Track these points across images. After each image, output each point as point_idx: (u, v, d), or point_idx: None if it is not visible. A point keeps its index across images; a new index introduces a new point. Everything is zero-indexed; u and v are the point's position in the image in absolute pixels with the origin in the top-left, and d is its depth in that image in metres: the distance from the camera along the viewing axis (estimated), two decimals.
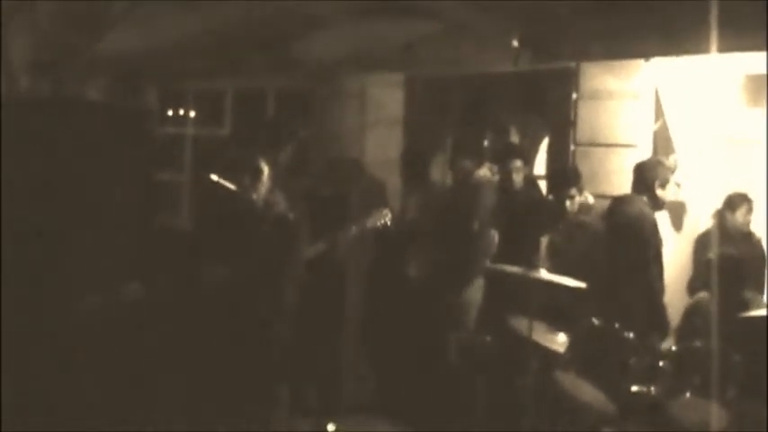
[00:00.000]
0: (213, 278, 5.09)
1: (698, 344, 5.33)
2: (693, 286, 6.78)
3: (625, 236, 6.08)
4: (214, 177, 5.34)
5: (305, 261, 5.78)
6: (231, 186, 5.27)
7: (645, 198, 6.14)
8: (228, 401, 5.17)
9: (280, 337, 5.13)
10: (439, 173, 8.18)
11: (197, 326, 5.56)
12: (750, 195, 7.04)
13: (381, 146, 8.13)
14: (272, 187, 5.28)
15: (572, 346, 5.69)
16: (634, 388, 5.30)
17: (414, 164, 7.65)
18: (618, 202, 6.34)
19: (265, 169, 5.24)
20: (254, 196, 5.15)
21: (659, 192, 6.15)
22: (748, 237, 7.02)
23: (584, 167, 7.00)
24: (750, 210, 7.01)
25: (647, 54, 7.07)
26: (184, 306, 6.00)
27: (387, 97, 8.25)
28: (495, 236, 6.79)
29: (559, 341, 5.79)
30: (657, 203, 6.19)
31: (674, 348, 5.43)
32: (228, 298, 5.01)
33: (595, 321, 5.59)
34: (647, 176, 6.19)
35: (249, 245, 5.06)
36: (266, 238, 5.10)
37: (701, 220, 7.23)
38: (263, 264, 5.04)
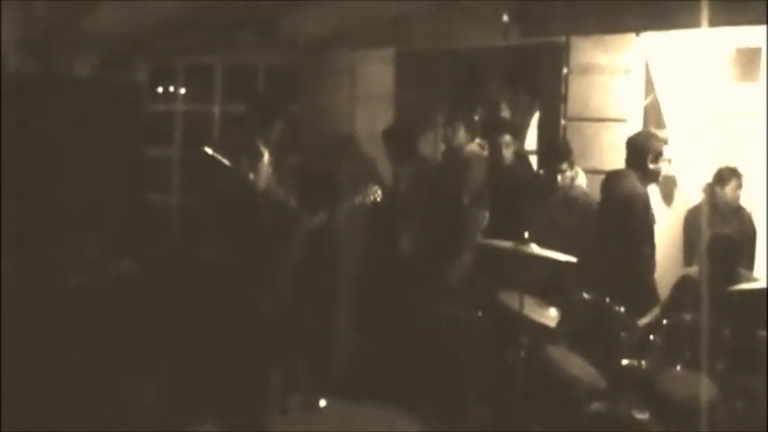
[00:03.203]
0: (207, 255, 5.09)
1: (688, 317, 5.35)
2: (689, 261, 6.80)
3: (617, 211, 6.09)
4: (209, 150, 5.31)
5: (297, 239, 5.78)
6: (225, 161, 5.25)
7: (638, 172, 6.14)
8: (221, 379, 5.18)
9: (273, 313, 5.13)
10: (429, 148, 8.18)
11: (188, 302, 5.56)
12: (740, 170, 7.05)
13: (371, 121, 8.12)
14: (271, 169, 5.28)
15: (563, 320, 5.72)
16: (625, 361, 5.33)
17: (404, 139, 7.65)
18: (611, 176, 6.35)
19: (265, 152, 5.24)
20: (252, 176, 5.14)
21: (652, 165, 6.16)
22: (738, 211, 7.03)
23: (574, 142, 6.99)
24: (739, 185, 7.02)
25: (637, 28, 7.05)
26: (175, 283, 6.00)
27: (377, 73, 8.22)
28: (485, 211, 6.81)
29: (550, 316, 5.82)
30: (650, 176, 6.19)
31: (664, 322, 5.45)
32: (222, 275, 5.02)
33: (586, 296, 5.62)
34: (639, 149, 6.19)
35: (245, 223, 5.05)
36: (263, 217, 5.10)
37: (691, 194, 7.24)
38: (258, 242, 5.04)
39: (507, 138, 7.09)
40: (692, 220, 7.08)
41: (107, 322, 6.27)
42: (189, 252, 5.40)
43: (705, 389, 5.06)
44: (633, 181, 6.11)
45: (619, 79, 7.16)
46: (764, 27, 6.39)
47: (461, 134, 7.12)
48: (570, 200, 6.60)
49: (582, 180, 6.74)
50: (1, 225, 6.07)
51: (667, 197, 7.20)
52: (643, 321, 5.59)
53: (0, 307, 5.87)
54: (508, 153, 7.09)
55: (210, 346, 5.25)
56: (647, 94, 7.20)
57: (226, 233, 5.15)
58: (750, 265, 6.61)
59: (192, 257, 5.39)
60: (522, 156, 7.50)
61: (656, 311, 5.84)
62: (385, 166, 7.83)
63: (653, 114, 7.20)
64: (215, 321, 5.20)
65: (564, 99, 7.40)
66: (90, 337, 6.19)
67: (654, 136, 6.51)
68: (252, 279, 5.13)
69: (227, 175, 5.31)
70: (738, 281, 5.68)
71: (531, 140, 8.23)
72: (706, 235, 5.95)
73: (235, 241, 5.09)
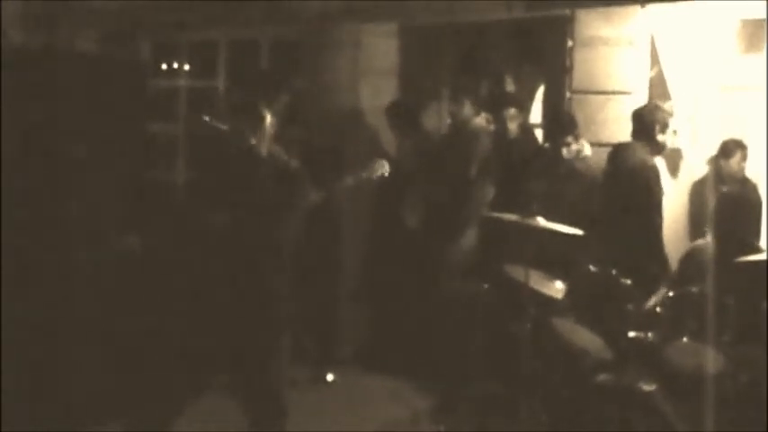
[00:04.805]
0: (213, 224, 5.06)
1: (694, 289, 5.37)
2: (694, 233, 6.82)
3: (627, 183, 6.10)
4: (206, 118, 5.27)
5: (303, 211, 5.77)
6: (222, 126, 5.20)
7: (646, 145, 6.15)
8: (228, 351, 5.19)
9: (280, 286, 5.13)
10: (434, 122, 8.18)
11: (194, 275, 5.55)
12: (745, 142, 7.05)
13: (376, 95, 8.10)
14: (274, 135, 5.24)
15: (569, 292, 5.73)
16: (631, 333, 5.34)
17: (407, 113, 7.65)
18: (620, 149, 6.35)
19: (267, 116, 5.18)
20: (254, 142, 5.10)
21: (659, 136, 6.16)
22: (743, 183, 7.03)
23: (579, 115, 6.99)
24: (745, 156, 7.02)
25: (642, 0, 7.03)
26: (181, 256, 5.99)
27: (381, 47, 8.19)
28: (491, 184, 6.82)
29: (557, 288, 5.83)
30: (658, 148, 6.20)
31: (671, 294, 5.46)
32: (228, 245, 4.99)
33: (592, 268, 5.63)
34: (646, 121, 6.20)
35: (249, 191, 5.02)
36: (267, 185, 5.06)
37: (696, 167, 7.24)
38: (263, 211, 5.01)
39: (512, 111, 7.09)
40: (697, 193, 7.09)
41: (112, 297, 6.28)
42: (193, 221, 5.34)
43: (711, 360, 5.08)
44: (643, 153, 6.11)
45: (624, 52, 7.15)
46: None
47: (467, 108, 7.12)
48: (576, 173, 6.60)
49: (587, 153, 6.74)
50: (1, 201, 6.05)
51: (673, 170, 7.21)
52: (654, 299, 5.59)
53: (0, 288, 5.85)
54: (513, 126, 7.09)
55: (217, 317, 5.25)
56: (652, 67, 7.19)
57: (230, 198, 5.11)
58: (757, 234, 6.63)
59: (196, 226, 5.33)
60: (527, 129, 7.50)
61: (664, 288, 5.85)
62: (390, 141, 7.83)
63: (658, 86, 7.19)
64: (221, 293, 5.19)
65: (569, 72, 7.40)
66: (95, 312, 6.20)
67: (659, 107, 6.51)
68: (257, 245, 5.11)
69: (227, 140, 5.25)
70: (745, 245, 5.70)
71: (536, 114, 8.23)
72: (712, 205, 5.98)
73: (239, 206, 5.06)
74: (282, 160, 5.21)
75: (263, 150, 5.10)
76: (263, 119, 5.12)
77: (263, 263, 5.10)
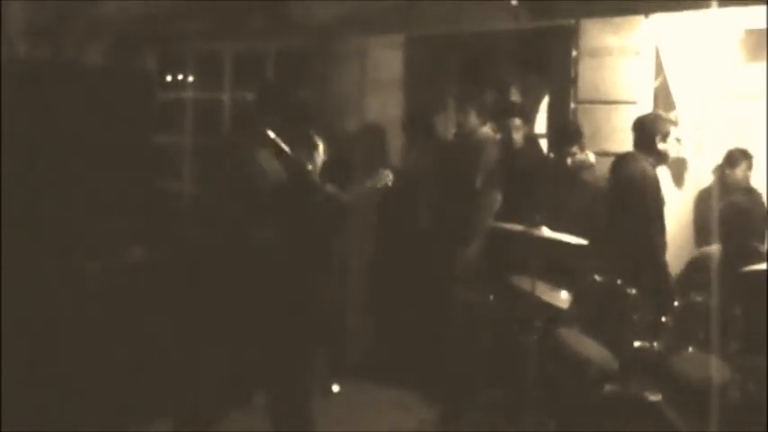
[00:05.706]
0: (257, 237, 5.06)
1: (700, 299, 5.36)
2: (700, 242, 6.81)
3: (627, 193, 6.10)
4: (271, 134, 5.25)
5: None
6: (286, 147, 5.19)
7: (647, 155, 6.15)
8: (257, 364, 5.21)
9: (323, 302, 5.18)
10: (440, 131, 8.19)
11: (202, 288, 5.57)
12: (750, 151, 7.05)
13: (382, 106, 8.13)
14: (325, 158, 5.29)
15: (575, 302, 5.73)
16: (637, 343, 5.34)
17: (415, 123, 7.66)
18: (620, 159, 6.35)
19: (320, 145, 5.26)
20: (310, 167, 5.18)
21: (661, 145, 6.17)
22: (748, 192, 7.02)
23: (584, 125, 6.99)
24: (750, 166, 7.03)
25: (647, 10, 7.04)
26: (190, 268, 6.00)
27: (387, 57, 8.22)
28: (498, 194, 6.82)
29: (562, 298, 5.83)
30: (660, 157, 6.20)
31: (676, 303, 5.46)
32: (272, 259, 5.01)
33: (598, 278, 5.63)
34: (647, 131, 6.20)
35: (299, 214, 5.05)
36: (318, 212, 5.11)
37: (701, 176, 7.24)
38: (311, 234, 5.05)
39: (517, 121, 7.09)
40: (702, 203, 7.09)
41: (119, 309, 6.30)
42: (228, 236, 5.31)
43: (717, 370, 5.07)
44: (642, 162, 6.12)
45: (628, 62, 7.15)
46: None
47: (472, 118, 7.13)
48: (581, 183, 6.61)
49: (592, 162, 6.74)
50: (1, 212, 6.07)
51: (678, 179, 7.21)
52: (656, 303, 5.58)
53: (0, 300, 5.87)
54: (518, 136, 7.09)
55: (248, 331, 5.25)
56: (657, 76, 7.19)
57: (277, 217, 5.13)
58: (762, 245, 6.60)
59: (230, 242, 5.30)
60: (532, 139, 7.50)
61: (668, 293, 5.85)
62: (396, 151, 7.84)
63: (663, 96, 7.19)
64: (252, 308, 5.19)
65: (574, 82, 7.39)
66: (105, 322, 6.22)
67: (660, 117, 6.51)
68: (306, 263, 5.15)
69: (287, 161, 5.26)
70: (751, 254, 5.69)
71: (541, 124, 8.24)
72: (720, 208, 5.98)
73: (286, 226, 5.09)
74: (332, 191, 5.28)
75: (316, 177, 5.17)
76: (316, 146, 5.20)
77: (310, 279, 5.14)
